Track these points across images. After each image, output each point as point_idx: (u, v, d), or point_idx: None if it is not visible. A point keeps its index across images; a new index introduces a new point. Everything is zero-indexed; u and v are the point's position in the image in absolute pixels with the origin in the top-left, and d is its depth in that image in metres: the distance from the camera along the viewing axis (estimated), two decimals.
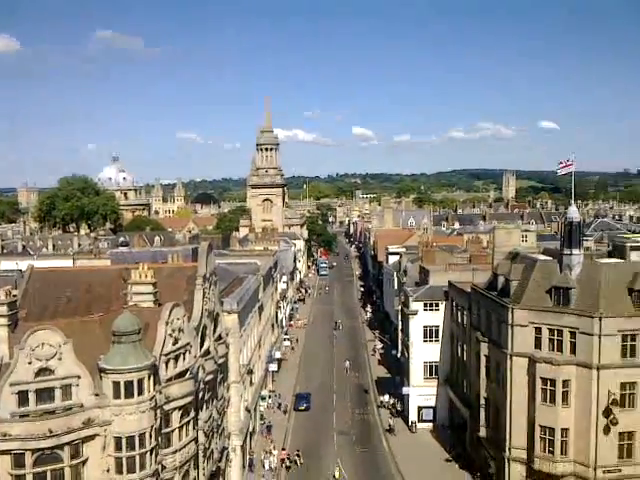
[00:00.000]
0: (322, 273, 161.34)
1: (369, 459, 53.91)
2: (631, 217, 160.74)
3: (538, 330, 41.40)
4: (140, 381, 28.97)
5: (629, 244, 45.45)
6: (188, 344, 33.68)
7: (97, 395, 28.74)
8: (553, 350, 40.80)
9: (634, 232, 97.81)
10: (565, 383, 40.03)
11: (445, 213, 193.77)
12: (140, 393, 28.98)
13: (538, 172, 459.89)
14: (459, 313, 55.17)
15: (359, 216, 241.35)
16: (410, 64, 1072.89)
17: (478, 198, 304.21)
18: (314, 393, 69.33)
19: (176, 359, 32.87)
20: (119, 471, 28.96)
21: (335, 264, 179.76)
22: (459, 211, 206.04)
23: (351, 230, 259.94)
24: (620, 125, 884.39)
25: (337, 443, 57.01)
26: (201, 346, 36.68)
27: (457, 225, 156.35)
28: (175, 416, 32.25)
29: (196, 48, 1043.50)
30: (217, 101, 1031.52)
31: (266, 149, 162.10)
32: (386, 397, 65.78)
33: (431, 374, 60.03)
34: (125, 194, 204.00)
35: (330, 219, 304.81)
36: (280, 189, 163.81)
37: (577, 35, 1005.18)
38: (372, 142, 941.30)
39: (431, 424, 60.02)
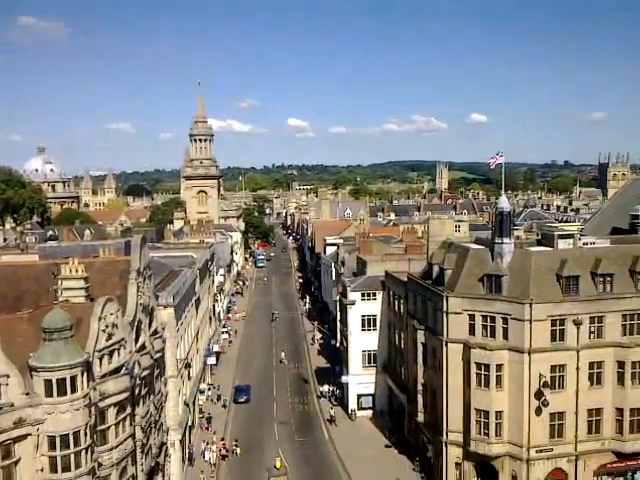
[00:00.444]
0: (260, 265, 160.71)
1: (310, 448, 54.22)
2: (558, 207, 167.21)
3: (472, 317, 42.46)
4: (73, 378, 28.09)
5: (557, 233, 47.05)
6: (122, 339, 32.88)
7: (28, 394, 27.69)
8: (487, 336, 41.95)
9: (562, 221, 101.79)
10: (498, 367, 41.25)
11: (381, 204, 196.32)
12: (73, 391, 28.12)
13: (470, 164, 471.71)
14: (396, 302, 56.02)
15: (296, 208, 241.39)
16: (344, 56, 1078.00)
17: (413, 189, 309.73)
18: (254, 385, 69.14)
19: (110, 355, 32.06)
20: (53, 470, 28.08)
21: (273, 256, 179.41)
22: (395, 202, 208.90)
23: (288, 222, 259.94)
24: (546, 118, 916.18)
25: (278, 433, 57.12)
26: (136, 341, 35.89)
27: (393, 216, 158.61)
28: (111, 413, 31.49)
29: (126, 36, 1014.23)
30: (149, 91, 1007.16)
31: (200, 140, 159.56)
32: (325, 387, 66.26)
33: (370, 362, 60.83)
34: (53, 186, 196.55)
35: (267, 211, 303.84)
36: (215, 181, 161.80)
37: (507, 29, 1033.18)
38: (308, 134, 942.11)
39: (370, 411, 60.91)
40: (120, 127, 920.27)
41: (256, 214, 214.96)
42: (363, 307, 60.25)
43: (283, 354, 79.51)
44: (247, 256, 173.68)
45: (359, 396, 61.03)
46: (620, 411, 41.33)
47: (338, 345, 68.81)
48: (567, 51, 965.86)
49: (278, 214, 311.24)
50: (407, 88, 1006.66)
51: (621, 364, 41.04)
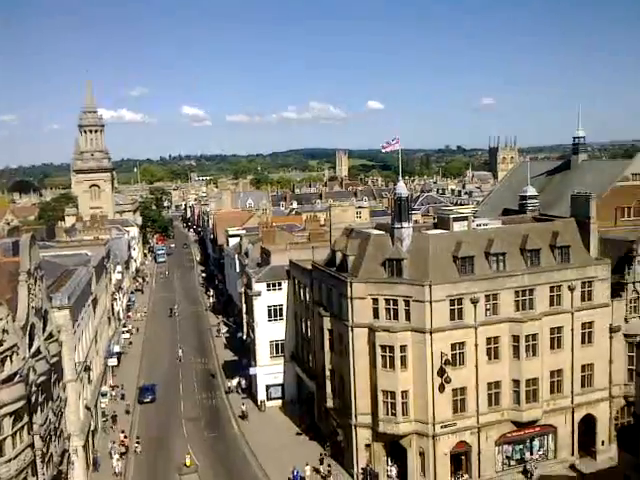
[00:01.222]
0: (160, 260, 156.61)
1: (220, 443, 53.56)
2: (453, 190, 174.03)
3: (375, 301, 43.32)
4: None
5: (452, 216, 48.85)
6: (15, 345, 31.01)
7: None
8: (390, 319, 42.94)
9: (456, 204, 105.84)
10: (402, 348, 42.36)
11: (283, 193, 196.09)
12: None
13: (369, 151, 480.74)
14: (301, 291, 56.21)
15: (196, 199, 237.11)
16: (239, 42, 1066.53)
17: (314, 177, 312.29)
18: (159, 383, 67.40)
19: (2, 362, 30.22)
20: None
21: (174, 249, 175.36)
22: (296, 191, 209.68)
23: (188, 214, 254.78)
24: (439, 104, 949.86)
25: (187, 430, 56.01)
26: (30, 346, 33.94)
27: (295, 204, 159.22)
28: (6, 423, 29.77)
29: (10, 22, 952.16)
30: (34, 80, 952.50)
31: (90, 131, 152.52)
32: (234, 381, 65.55)
33: (277, 352, 60.84)
34: None
35: (165, 203, 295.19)
36: (108, 173, 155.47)
37: (396, 18, 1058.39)
38: (205, 122, 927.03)
39: (280, 401, 60.96)
40: (3, 119, 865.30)
41: (154, 207, 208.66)
42: (269, 297, 60.03)
43: (180, 351, 77.60)
44: (146, 251, 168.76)
45: (268, 387, 60.91)
46: (517, 383, 43.58)
47: (245, 337, 68.28)
48: (455, 38, 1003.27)
49: (177, 206, 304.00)
50: (304, 75, 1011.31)
51: (516, 338, 43.25)
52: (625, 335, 45.72)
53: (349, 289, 43.84)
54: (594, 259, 46.19)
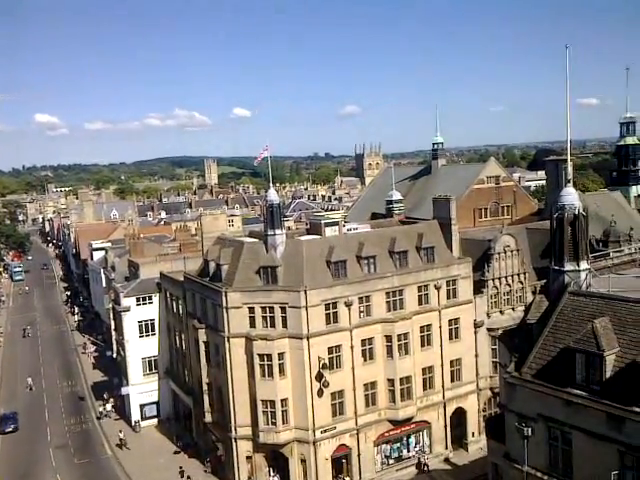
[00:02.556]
0: (17, 278, 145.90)
1: (93, 469, 50.48)
2: (323, 196, 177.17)
3: (252, 310, 42.89)
4: None
5: (323, 221, 49.59)
6: None
7: None
8: (267, 327, 42.68)
9: (327, 210, 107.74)
10: (280, 356, 42.23)
11: (150, 203, 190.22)
12: None
13: (238, 158, 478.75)
14: (174, 303, 54.55)
15: (55, 212, 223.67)
16: (94, 45, 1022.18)
17: (182, 186, 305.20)
18: (22, 410, 62.48)
19: None
20: None
21: (31, 266, 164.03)
22: (164, 200, 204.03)
23: (47, 228, 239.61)
24: (307, 112, 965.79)
25: (55, 460, 52.25)
26: None
27: (164, 214, 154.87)
28: None
29: None
30: None
31: None
32: (108, 406, 61.98)
33: (151, 369, 58.55)
34: None
35: (20, 217, 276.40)
36: None
37: (251, 30, 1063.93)
38: (61, 130, 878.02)
39: (156, 420, 58.73)
40: None
41: (7, 222, 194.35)
42: (139, 312, 57.65)
43: (30, 379, 71.65)
44: (1, 270, 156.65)
45: (142, 406, 58.45)
46: (391, 382, 44.84)
47: (115, 355, 65.09)
48: (317, 47, 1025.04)
49: (34, 220, 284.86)
50: (166, 81, 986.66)
51: (389, 338, 44.53)
52: (488, 329, 48.59)
53: (224, 299, 43.07)
54: (457, 258, 48.67)
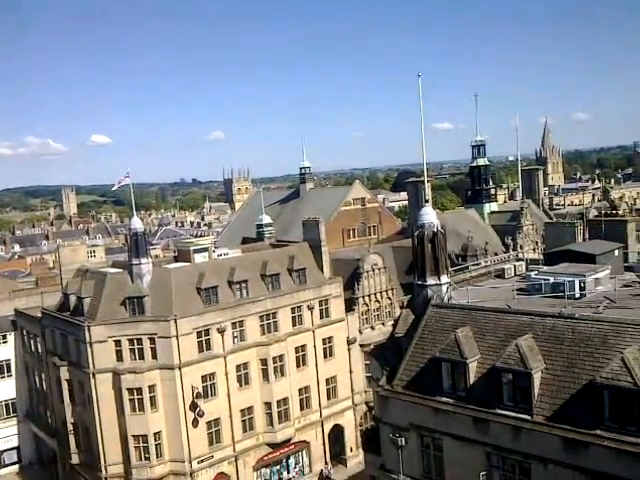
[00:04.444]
0: None
1: None
2: (192, 223, 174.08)
3: (118, 343, 40.98)
4: None
5: (192, 248, 48.54)
6: None
7: None
8: (136, 359, 40.91)
9: (197, 236, 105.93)
10: (151, 388, 40.59)
11: (1, 236, 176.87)
12: None
13: (99, 186, 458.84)
14: (32, 341, 51.02)
15: None
16: None
17: (38, 217, 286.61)
18: None
19: None
20: None
21: None
22: (17, 232, 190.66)
23: None
24: (172, 138, 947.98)
25: None
26: None
27: (17, 248, 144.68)
28: None
29: None
30: None
31: None
32: None
33: (9, 413, 54.37)
34: None
35: None
36: None
37: (122, 51, 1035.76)
38: None
39: (17, 466, 54.56)
40: None
41: None
42: None
43: None
44: None
45: (0, 452, 53.84)
46: (268, 405, 44.52)
47: None
48: (176, 73, 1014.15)
49: None
50: (15, 108, 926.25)
51: (264, 361, 44.24)
52: (361, 345, 49.71)
53: (87, 333, 40.88)
54: (328, 278, 49.49)
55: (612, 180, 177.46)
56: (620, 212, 49.31)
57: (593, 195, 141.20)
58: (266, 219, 59.80)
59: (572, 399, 20.42)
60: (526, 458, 21.16)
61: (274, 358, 44.33)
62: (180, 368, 40.87)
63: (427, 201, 31.82)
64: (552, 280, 27.42)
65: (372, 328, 50.26)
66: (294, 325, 46.42)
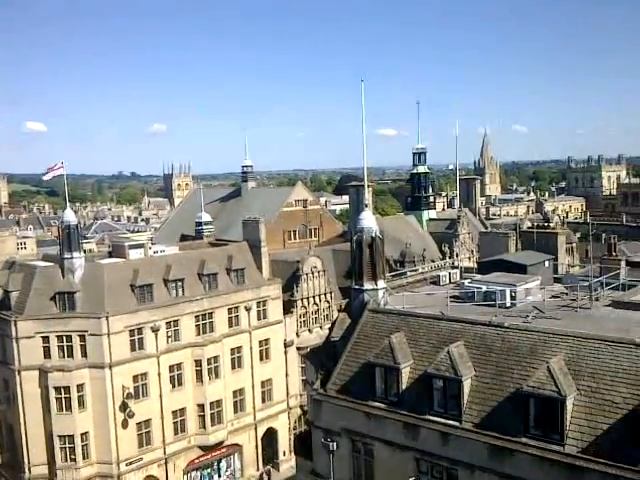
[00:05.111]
0: None
1: None
2: (129, 217, 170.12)
3: (46, 339, 39.82)
4: None
5: (127, 243, 47.40)
6: None
7: None
8: (64, 357, 39.79)
9: (133, 232, 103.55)
10: (79, 387, 39.56)
11: None
12: None
13: (32, 175, 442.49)
14: None
15: None
16: None
17: None
18: None
19: None
20: None
21: None
22: None
23: None
24: (113, 129, 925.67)
25: None
26: None
27: None
28: None
29: None
30: None
31: None
32: None
33: None
34: None
35: None
36: None
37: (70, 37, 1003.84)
38: None
39: None
40: None
41: None
42: None
43: None
44: None
45: None
46: (201, 407, 43.99)
47: None
48: (121, 64, 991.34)
49: None
50: None
51: (198, 362, 43.71)
52: (298, 348, 49.69)
53: (13, 328, 39.54)
54: (267, 280, 49.25)
55: (546, 193, 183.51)
56: (552, 224, 50.93)
57: (528, 207, 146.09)
58: (205, 217, 59.04)
59: (500, 407, 20.89)
60: (454, 464, 21.52)
61: (209, 359, 43.80)
62: (111, 367, 39.94)
63: (366, 206, 31.96)
64: (484, 289, 28.02)
65: (310, 331, 50.33)
66: (230, 326, 45.98)
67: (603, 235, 62.72)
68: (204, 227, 58.06)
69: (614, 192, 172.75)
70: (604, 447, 18.38)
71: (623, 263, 34.24)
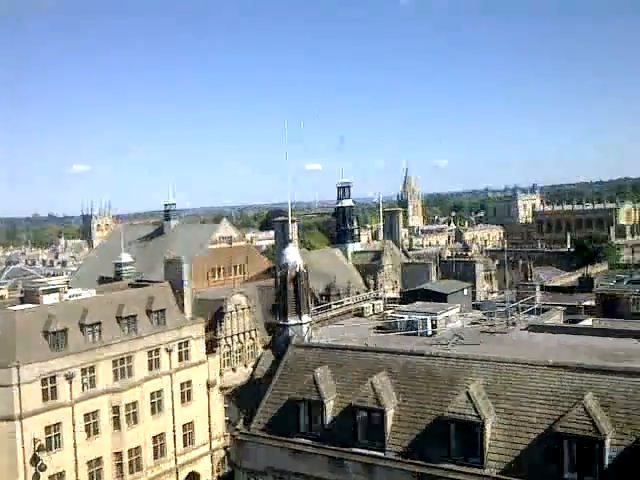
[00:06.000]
0: None
1: None
2: (44, 261, 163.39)
3: None
4: None
5: (41, 288, 45.28)
6: None
7: None
8: None
9: (49, 275, 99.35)
10: None
11: None
12: None
13: None
14: None
15: None
16: None
17: None
18: None
19: None
20: None
21: None
22: None
23: None
24: (28, 169, 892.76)
25: None
26: None
27: None
28: None
29: None
30: None
31: None
32: None
33: None
34: None
35: None
36: None
37: None
38: None
39: None
40: None
41: None
42: None
43: None
44: None
45: None
46: (119, 455, 41.91)
47: None
48: (40, 104, 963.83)
49: None
50: None
51: (116, 409, 41.79)
52: (221, 388, 48.29)
53: None
54: (189, 319, 47.91)
55: (466, 222, 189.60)
56: (471, 253, 52.39)
57: (449, 236, 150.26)
58: (125, 257, 57.37)
59: (423, 434, 20.77)
60: None
61: (127, 405, 41.97)
62: (21, 419, 37.52)
63: (291, 240, 31.81)
64: (407, 318, 28.19)
65: (234, 370, 49.13)
66: (151, 369, 44.31)
67: (520, 261, 65.04)
68: (124, 268, 56.37)
69: (530, 220, 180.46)
70: (522, 466, 18.58)
71: (538, 288, 35.44)
